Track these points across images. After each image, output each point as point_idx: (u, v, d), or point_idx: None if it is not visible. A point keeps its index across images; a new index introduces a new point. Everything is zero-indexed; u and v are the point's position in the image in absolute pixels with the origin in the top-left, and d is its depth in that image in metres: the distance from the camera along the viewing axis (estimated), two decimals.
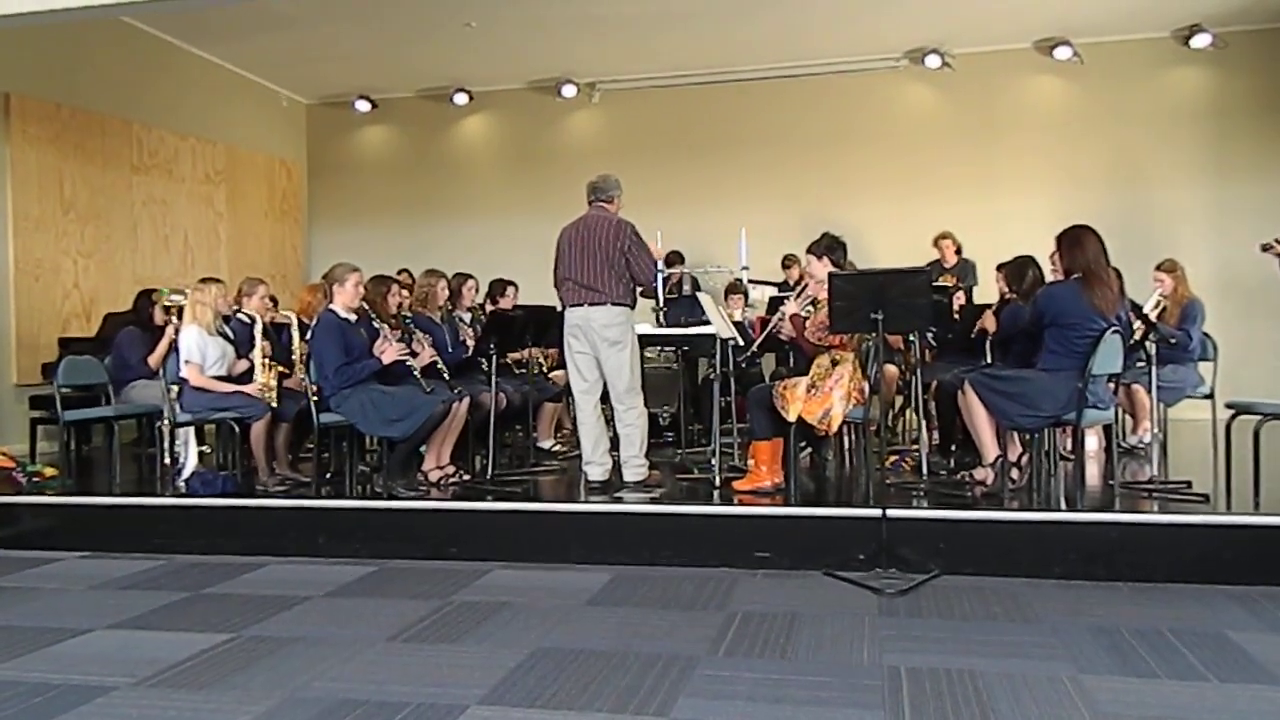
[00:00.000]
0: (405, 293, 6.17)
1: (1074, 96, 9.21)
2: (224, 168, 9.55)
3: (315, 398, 5.13)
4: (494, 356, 5.52)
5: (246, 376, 5.58)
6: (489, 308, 6.79)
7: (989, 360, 5.50)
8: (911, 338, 5.70)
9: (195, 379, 5.36)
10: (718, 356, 5.49)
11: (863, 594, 3.79)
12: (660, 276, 5.46)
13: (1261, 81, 8.77)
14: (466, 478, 5.43)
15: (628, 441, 5.11)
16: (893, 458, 5.55)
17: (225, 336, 5.66)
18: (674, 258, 7.76)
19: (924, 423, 5.56)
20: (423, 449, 5.34)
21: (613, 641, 3.27)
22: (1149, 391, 5.42)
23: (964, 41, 9.13)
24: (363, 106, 10.52)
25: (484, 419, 5.55)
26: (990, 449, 4.60)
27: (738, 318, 7.02)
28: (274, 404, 5.45)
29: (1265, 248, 5.69)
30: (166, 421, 5.59)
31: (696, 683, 2.88)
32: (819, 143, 9.62)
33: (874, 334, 4.28)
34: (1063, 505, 4.49)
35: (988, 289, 7.03)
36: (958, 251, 8.20)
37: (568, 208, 5.48)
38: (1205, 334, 6.12)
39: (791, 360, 6.00)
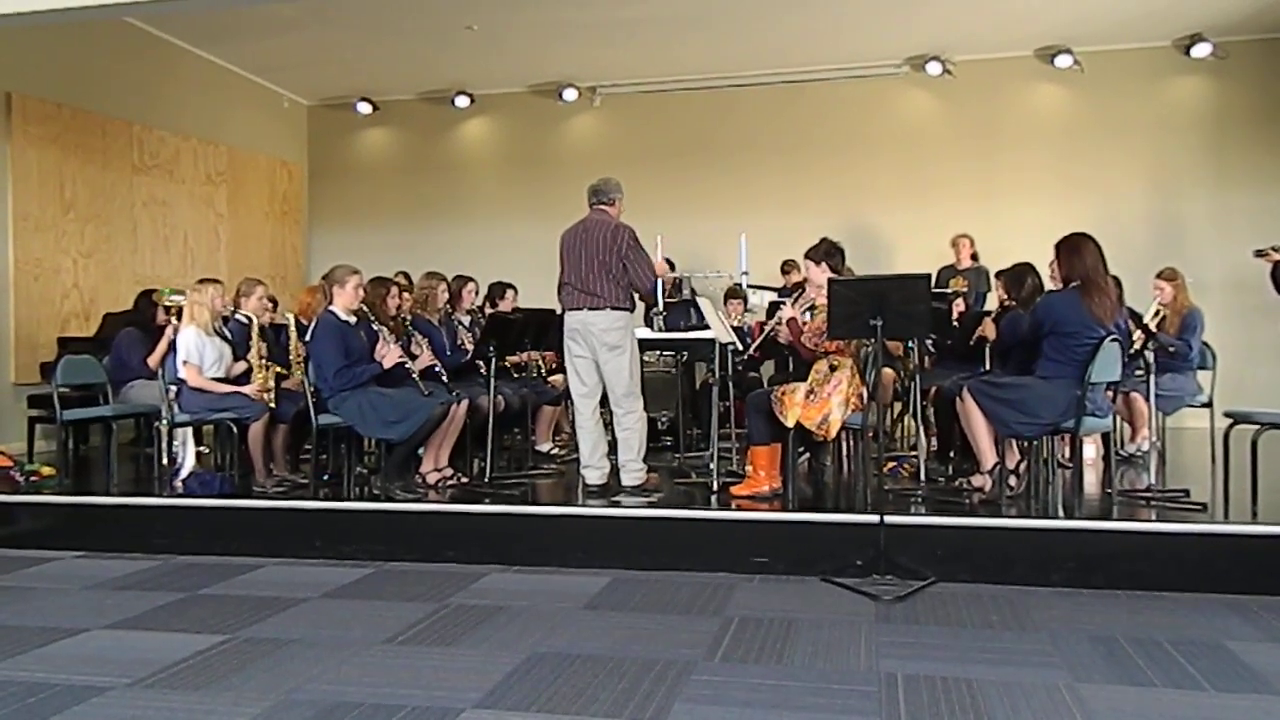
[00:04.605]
0: (405, 295, 6.17)
1: (1074, 105, 9.22)
2: (225, 169, 9.56)
3: (314, 399, 5.13)
4: (493, 359, 5.52)
5: (244, 378, 5.58)
6: (488, 310, 6.80)
7: (988, 367, 5.50)
8: (910, 344, 5.70)
9: (193, 379, 5.36)
10: (716, 361, 5.49)
11: (860, 600, 3.79)
12: (659, 284, 5.46)
13: (1262, 91, 8.79)
14: (464, 480, 5.42)
15: (626, 445, 5.11)
16: (891, 464, 5.55)
17: (223, 337, 5.67)
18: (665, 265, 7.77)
19: (922, 429, 5.56)
20: (421, 451, 5.33)
21: (609, 646, 3.27)
22: (1147, 400, 5.43)
23: (964, 49, 9.15)
24: (364, 108, 10.54)
25: (482, 422, 5.55)
26: (988, 456, 4.60)
27: (736, 322, 7.03)
28: (272, 405, 5.45)
29: (1259, 253, 5.72)
30: (164, 422, 5.58)
31: (693, 688, 2.87)
32: (819, 148, 9.63)
33: (872, 339, 4.28)
34: (1060, 513, 4.49)
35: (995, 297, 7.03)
36: (973, 256, 8.18)
37: (568, 211, 5.49)
38: (1204, 343, 6.12)
39: (790, 365, 6.01)
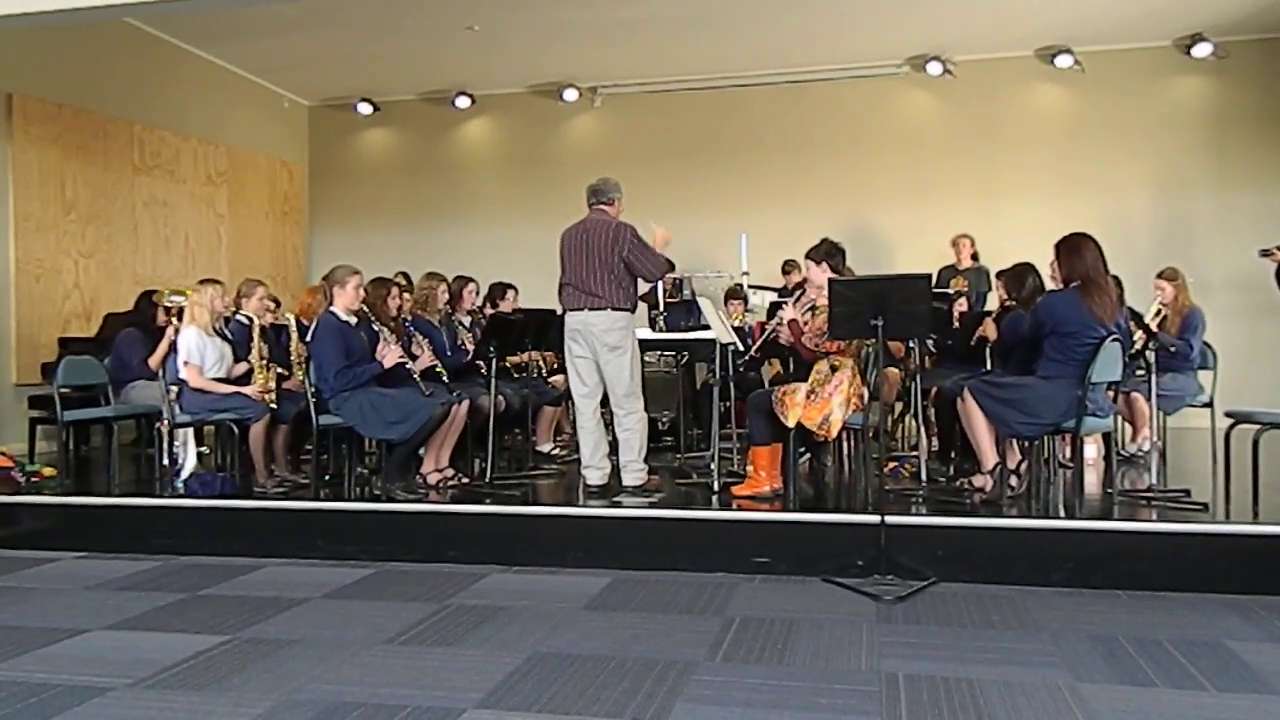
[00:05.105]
0: (405, 295, 6.17)
1: (1075, 105, 9.22)
2: (225, 169, 9.57)
3: (314, 399, 5.13)
4: (493, 360, 5.52)
5: (245, 378, 5.58)
6: (489, 311, 6.80)
7: (989, 367, 5.50)
8: (911, 344, 5.70)
9: (194, 380, 5.36)
10: (717, 361, 5.49)
11: (861, 600, 3.79)
12: (665, 274, 5.45)
13: (1263, 91, 8.78)
14: (465, 481, 5.43)
15: (627, 446, 5.11)
16: (892, 464, 5.54)
17: (224, 338, 5.67)
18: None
19: (923, 429, 5.56)
20: (421, 452, 5.34)
21: (610, 646, 3.27)
22: (1148, 400, 5.43)
23: (965, 49, 9.15)
24: (364, 109, 10.54)
25: (483, 422, 5.55)
26: (989, 456, 4.60)
27: (737, 323, 7.02)
28: (273, 405, 5.45)
29: (1264, 253, 5.71)
30: (165, 422, 5.59)
31: (694, 688, 2.87)
32: (819, 148, 9.63)
33: (873, 340, 4.28)
34: (1061, 513, 4.49)
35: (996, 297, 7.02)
36: (974, 256, 8.17)
37: (568, 212, 5.48)
38: (1205, 343, 6.12)
39: (791, 366, 6.01)
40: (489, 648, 3.29)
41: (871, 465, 4.77)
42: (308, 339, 5.29)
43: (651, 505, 4.72)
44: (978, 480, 4.76)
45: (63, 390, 5.91)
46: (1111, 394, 4.60)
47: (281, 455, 5.70)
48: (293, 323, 5.96)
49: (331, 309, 5.21)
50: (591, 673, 3.01)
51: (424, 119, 10.65)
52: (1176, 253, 7.97)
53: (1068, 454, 4.93)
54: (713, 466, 5.17)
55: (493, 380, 5.51)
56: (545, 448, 6.58)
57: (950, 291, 6.83)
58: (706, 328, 5.58)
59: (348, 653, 3.25)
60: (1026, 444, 4.79)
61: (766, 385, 6.12)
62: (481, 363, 5.92)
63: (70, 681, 3.00)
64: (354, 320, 5.23)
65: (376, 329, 5.26)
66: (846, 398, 4.58)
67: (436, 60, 9.46)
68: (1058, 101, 9.29)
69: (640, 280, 5.19)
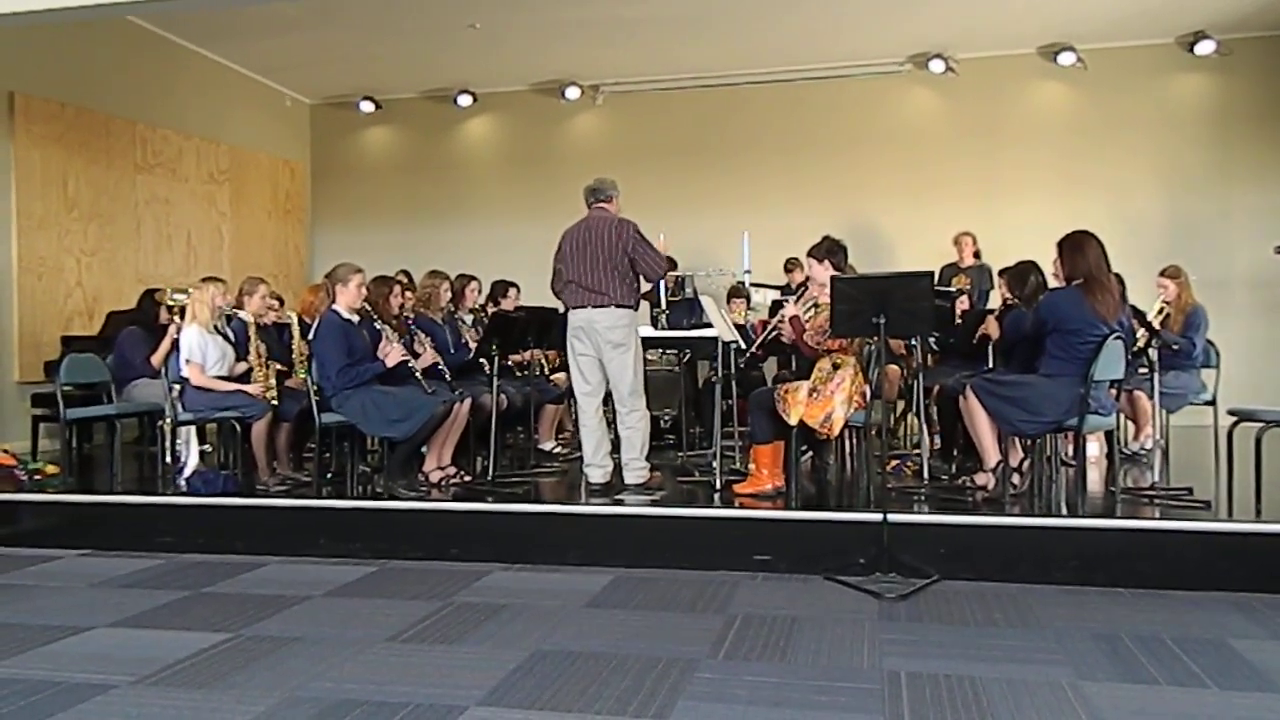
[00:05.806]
0: (408, 294, 6.18)
1: (1078, 102, 9.20)
2: (228, 168, 9.57)
3: (316, 397, 5.13)
4: (496, 358, 5.52)
5: (247, 377, 5.59)
6: (491, 309, 6.80)
7: (991, 365, 5.50)
8: (913, 341, 5.69)
9: (196, 378, 5.37)
10: (719, 359, 5.49)
11: (863, 598, 3.79)
12: (667, 273, 5.45)
13: (1265, 88, 8.77)
14: (467, 479, 5.43)
15: (629, 444, 5.11)
16: (894, 462, 5.54)
17: (226, 337, 5.67)
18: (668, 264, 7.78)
19: (925, 427, 5.55)
20: (424, 450, 5.34)
21: (612, 644, 3.27)
22: (1151, 398, 5.43)
23: (967, 46, 9.14)
24: (367, 107, 10.54)
25: (485, 420, 5.55)
26: (991, 454, 4.59)
27: (739, 321, 7.03)
28: (275, 403, 5.46)
29: None
30: (168, 420, 5.59)
31: (696, 686, 2.87)
32: (822, 147, 9.62)
33: (874, 337, 4.27)
34: (1064, 511, 4.49)
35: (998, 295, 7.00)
36: (976, 254, 8.16)
37: (570, 210, 5.49)
38: (1208, 341, 6.11)
39: (794, 363, 6.00)
40: (491, 645, 3.29)
41: (874, 463, 4.76)
42: (310, 337, 5.29)
43: (653, 503, 4.72)
44: (980, 478, 4.75)
45: (65, 388, 5.91)
46: (1114, 392, 4.59)
47: (284, 453, 5.70)
48: (295, 321, 5.96)
49: (334, 307, 5.21)
50: (593, 670, 3.02)
51: (426, 117, 10.65)
52: (1179, 250, 7.95)
53: (1070, 452, 4.93)
54: (715, 464, 5.17)
55: (495, 378, 5.51)
56: (547, 446, 6.58)
57: (952, 289, 6.83)
58: (709, 326, 5.58)
59: (350, 650, 3.26)
60: (1029, 442, 4.78)
61: (769, 383, 6.12)
62: (484, 361, 5.92)
63: (73, 679, 3.01)
64: (356, 319, 5.23)
65: (379, 327, 5.26)
66: (848, 395, 4.58)
67: (438, 58, 9.46)
68: (1060, 99, 9.28)
69: (641, 279, 5.20)
